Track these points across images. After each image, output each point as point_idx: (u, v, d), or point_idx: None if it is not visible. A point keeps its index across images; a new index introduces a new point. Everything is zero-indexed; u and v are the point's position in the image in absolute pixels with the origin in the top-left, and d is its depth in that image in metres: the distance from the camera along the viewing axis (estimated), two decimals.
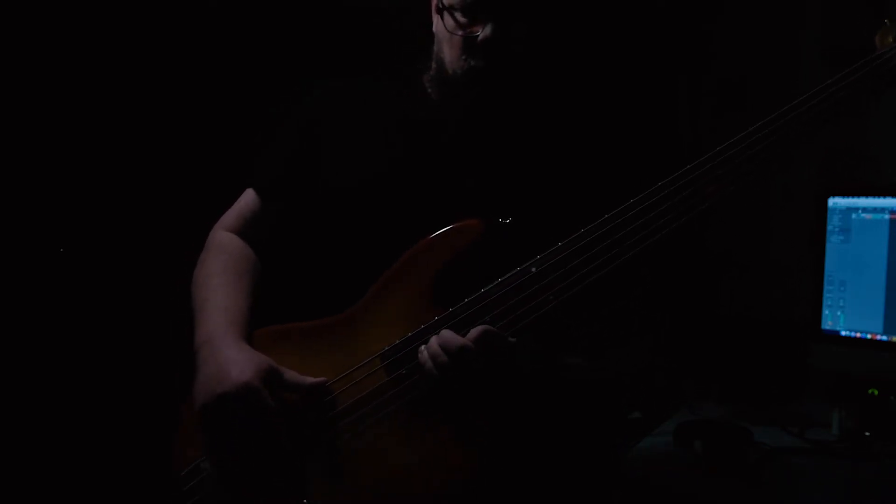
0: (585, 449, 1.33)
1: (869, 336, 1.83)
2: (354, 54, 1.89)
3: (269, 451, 1.10)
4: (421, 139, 1.25)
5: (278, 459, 1.11)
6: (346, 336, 1.15)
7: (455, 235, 1.12)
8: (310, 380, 1.12)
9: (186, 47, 1.83)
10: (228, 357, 1.12)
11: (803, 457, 1.67)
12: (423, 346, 1.06)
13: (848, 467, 1.54)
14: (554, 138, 1.27)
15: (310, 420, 1.12)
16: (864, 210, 1.84)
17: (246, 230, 1.34)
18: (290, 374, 1.13)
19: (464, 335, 1.03)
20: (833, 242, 1.89)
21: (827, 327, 1.89)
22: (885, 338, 1.81)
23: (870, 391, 1.76)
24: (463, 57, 1.18)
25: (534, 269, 1.06)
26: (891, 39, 1.11)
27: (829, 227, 1.89)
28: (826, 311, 1.89)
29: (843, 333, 1.87)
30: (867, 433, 1.71)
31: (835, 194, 1.89)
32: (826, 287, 1.89)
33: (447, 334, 1.03)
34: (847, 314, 1.86)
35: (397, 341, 1.10)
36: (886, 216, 1.81)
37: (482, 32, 1.14)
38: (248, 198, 1.35)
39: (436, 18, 1.23)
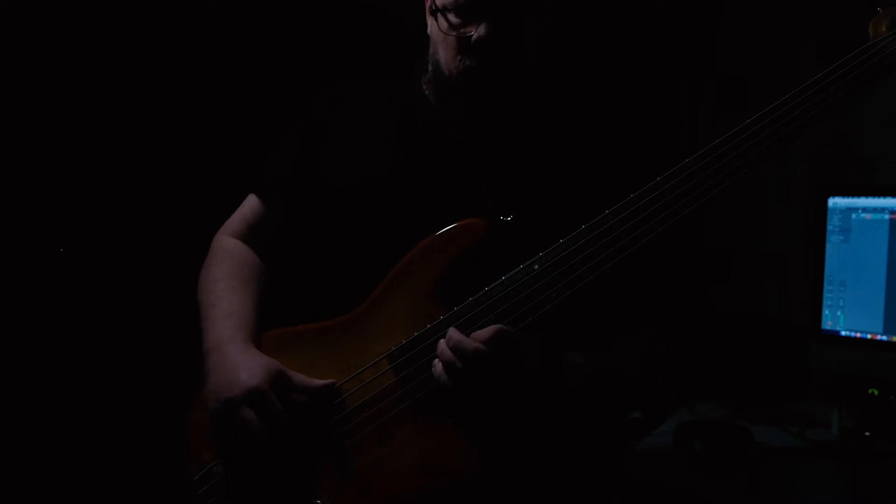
0: (587, 449, 1.32)
1: (869, 336, 1.83)
2: (356, 56, 1.90)
3: (279, 453, 1.10)
4: (421, 140, 1.25)
5: (289, 462, 1.11)
6: (353, 337, 1.14)
7: (459, 234, 1.11)
8: (318, 382, 1.12)
9: (188, 50, 1.83)
10: (237, 361, 1.12)
11: (803, 457, 1.67)
12: (436, 360, 1.04)
13: (848, 467, 1.54)
14: (554, 136, 1.27)
15: (319, 422, 1.12)
16: (864, 210, 1.84)
17: (250, 235, 1.34)
18: (299, 377, 1.12)
19: (468, 334, 1.03)
20: (833, 242, 1.89)
21: (827, 327, 1.89)
22: (885, 338, 1.81)
23: (870, 391, 1.75)
24: (458, 57, 1.17)
25: (537, 267, 1.06)
26: (884, 28, 1.08)
27: (829, 227, 1.89)
28: (826, 311, 1.89)
29: (843, 333, 1.87)
30: (867, 433, 1.71)
31: (835, 194, 1.89)
32: (826, 287, 1.89)
33: (458, 337, 1.02)
34: (847, 314, 1.86)
35: (404, 341, 1.10)
36: (886, 216, 1.81)
37: (476, 32, 1.14)
38: (252, 202, 1.35)
39: (430, 20, 1.23)
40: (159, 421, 1.46)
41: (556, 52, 1.35)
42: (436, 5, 1.18)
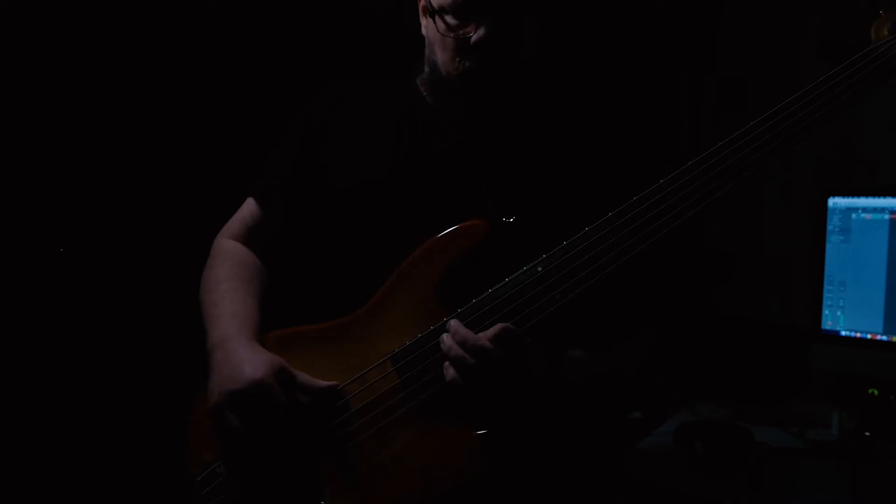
0: (589, 449, 1.32)
1: (869, 336, 1.83)
2: (356, 56, 1.89)
3: (281, 451, 1.10)
4: (422, 140, 1.25)
5: (291, 461, 1.11)
6: (355, 338, 1.14)
7: (461, 235, 1.11)
8: (321, 383, 1.12)
9: (188, 50, 1.82)
10: (241, 356, 1.12)
11: (804, 457, 1.67)
12: (446, 364, 1.04)
13: (848, 467, 1.54)
14: (554, 136, 1.27)
15: (322, 423, 1.11)
16: (864, 210, 1.85)
17: (249, 237, 1.34)
18: (303, 376, 1.12)
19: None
20: (833, 242, 1.89)
21: (827, 327, 1.89)
22: (885, 338, 1.81)
23: (870, 391, 1.76)
24: (457, 59, 1.16)
25: (540, 270, 1.06)
26: (886, 32, 1.07)
27: (829, 227, 1.89)
28: (826, 311, 1.90)
29: (843, 333, 1.87)
30: (867, 433, 1.71)
31: (835, 194, 1.89)
32: (826, 287, 1.89)
33: (464, 332, 1.02)
34: (847, 314, 1.86)
35: (407, 343, 1.09)
36: (886, 216, 1.81)
37: (476, 34, 1.12)
38: (251, 204, 1.35)
39: (425, 21, 1.22)
40: (161, 422, 1.46)
41: (555, 51, 1.34)
42: (432, 6, 1.16)
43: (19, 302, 1.67)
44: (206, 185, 1.77)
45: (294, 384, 1.11)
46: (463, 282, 1.09)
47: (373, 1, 1.91)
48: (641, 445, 1.76)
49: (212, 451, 1.16)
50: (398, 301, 1.13)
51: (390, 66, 1.40)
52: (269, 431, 1.09)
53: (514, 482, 1.16)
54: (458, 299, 1.08)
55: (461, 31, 1.15)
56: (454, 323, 1.04)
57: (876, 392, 1.75)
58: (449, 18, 1.15)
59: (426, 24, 1.22)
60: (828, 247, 1.89)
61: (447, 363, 1.03)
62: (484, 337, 1.01)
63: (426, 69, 1.25)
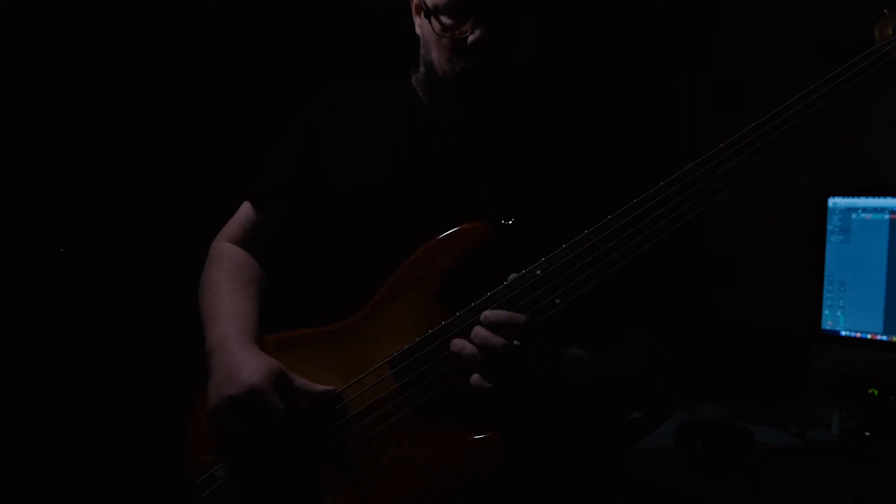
0: (590, 449, 1.32)
1: (869, 336, 1.83)
2: (356, 56, 1.89)
3: (279, 454, 1.10)
4: (421, 140, 1.24)
5: (290, 465, 1.11)
6: (354, 341, 1.14)
7: (461, 238, 1.10)
8: (319, 387, 1.11)
9: (188, 50, 1.82)
10: (239, 360, 1.12)
11: (804, 457, 1.67)
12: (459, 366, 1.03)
13: (848, 467, 1.54)
14: (553, 137, 1.26)
15: (320, 426, 1.11)
16: (864, 210, 1.85)
17: (247, 240, 1.34)
18: (300, 381, 1.12)
19: (471, 340, 1.02)
20: (833, 242, 1.89)
21: (827, 327, 1.89)
22: (885, 338, 1.81)
23: (870, 391, 1.76)
24: (453, 59, 1.14)
25: (539, 272, 1.05)
26: (890, 31, 1.05)
27: (829, 228, 1.89)
28: (826, 312, 1.90)
29: (843, 333, 1.87)
30: (867, 433, 1.71)
31: (835, 194, 1.89)
32: (826, 287, 1.89)
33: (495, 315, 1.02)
34: (847, 314, 1.87)
35: (406, 346, 1.09)
36: (886, 216, 1.81)
37: (472, 35, 1.11)
38: (247, 208, 1.35)
39: (419, 20, 1.21)
40: (161, 423, 1.46)
41: (553, 51, 1.33)
42: (426, 6, 1.15)
43: (19, 302, 1.66)
44: (206, 185, 1.77)
45: (291, 388, 1.11)
46: (463, 285, 1.09)
47: (373, 1, 1.90)
48: (641, 445, 1.76)
49: (212, 452, 1.16)
50: (397, 304, 1.12)
51: (390, 66, 1.40)
52: (268, 435, 1.09)
53: (515, 482, 1.16)
54: (458, 302, 1.08)
55: (457, 32, 1.13)
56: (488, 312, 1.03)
57: (876, 392, 1.75)
58: (444, 18, 1.14)
59: (420, 23, 1.21)
60: (828, 247, 1.89)
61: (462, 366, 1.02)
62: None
63: (422, 69, 1.24)
